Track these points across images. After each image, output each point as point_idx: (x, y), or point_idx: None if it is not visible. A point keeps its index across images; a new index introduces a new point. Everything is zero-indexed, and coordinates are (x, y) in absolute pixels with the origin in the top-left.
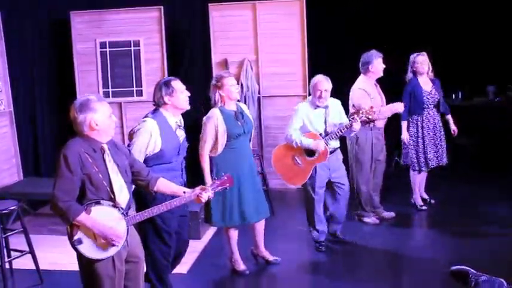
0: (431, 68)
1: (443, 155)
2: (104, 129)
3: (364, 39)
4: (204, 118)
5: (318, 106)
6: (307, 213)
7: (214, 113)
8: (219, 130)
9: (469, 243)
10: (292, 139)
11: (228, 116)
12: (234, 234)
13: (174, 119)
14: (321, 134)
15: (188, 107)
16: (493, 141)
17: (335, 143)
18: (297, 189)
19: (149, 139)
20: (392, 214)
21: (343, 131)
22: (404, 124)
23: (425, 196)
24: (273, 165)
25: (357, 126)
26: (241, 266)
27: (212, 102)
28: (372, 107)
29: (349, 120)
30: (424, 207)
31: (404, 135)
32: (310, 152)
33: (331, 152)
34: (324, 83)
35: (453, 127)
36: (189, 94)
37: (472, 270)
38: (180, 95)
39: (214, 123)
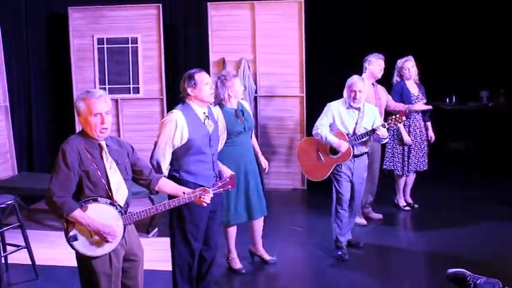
0: (416, 72)
1: (425, 161)
2: (90, 127)
3: (367, 41)
4: None
5: (351, 106)
6: (334, 214)
7: (215, 111)
8: (219, 127)
9: (467, 245)
10: (319, 132)
11: (229, 114)
12: (232, 232)
13: (202, 109)
14: (348, 134)
15: (211, 100)
16: (486, 145)
17: (363, 148)
18: (292, 189)
19: (175, 130)
20: (380, 216)
21: (369, 134)
22: (402, 127)
23: (410, 200)
24: (296, 155)
25: (381, 132)
26: (237, 265)
27: (217, 100)
28: (401, 114)
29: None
30: (407, 208)
31: (407, 138)
32: (334, 150)
33: (358, 156)
34: (359, 83)
35: (431, 133)
36: (212, 86)
37: (468, 272)
38: (203, 87)
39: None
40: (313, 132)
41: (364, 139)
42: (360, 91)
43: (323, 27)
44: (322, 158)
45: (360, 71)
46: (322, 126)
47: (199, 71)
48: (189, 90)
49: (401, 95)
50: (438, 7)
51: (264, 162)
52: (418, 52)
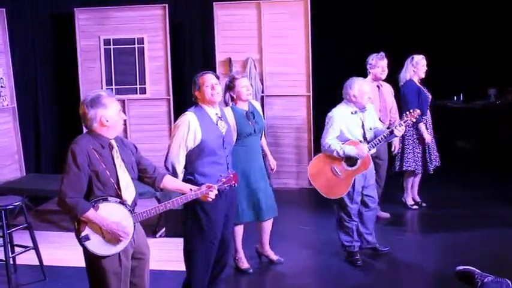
0: None
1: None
2: (113, 125)
3: (369, 40)
4: None
5: (358, 110)
6: (340, 224)
7: (227, 111)
8: None
9: (471, 244)
10: (332, 149)
11: (240, 115)
12: (239, 231)
13: (214, 111)
14: (360, 141)
15: (214, 100)
16: (493, 143)
17: (373, 150)
18: (299, 188)
19: (188, 131)
20: (387, 215)
21: (387, 137)
22: (423, 126)
23: (418, 199)
24: (310, 179)
25: (398, 133)
26: (244, 264)
27: (223, 102)
28: (415, 110)
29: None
30: (414, 207)
31: (427, 136)
32: (350, 162)
33: None
34: (366, 87)
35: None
36: (215, 87)
37: (478, 270)
38: (205, 89)
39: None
40: (324, 149)
41: (383, 142)
42: (369, 92)
43: (328, 26)
44: (339, 173)
45: (365, 69)
46: (332, 141)
47: (202, 74)
48: (196, 94)
49: (418, 94)
50: (445, 5)
51: (272, 163)
52: (425, 49)
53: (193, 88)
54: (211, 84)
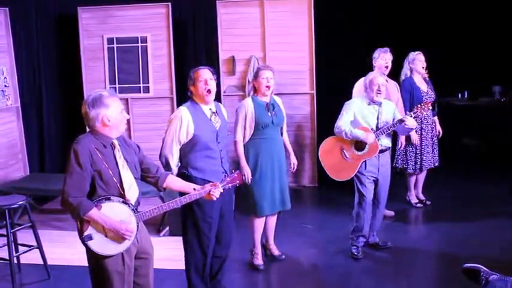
0: (425, 67)
1: (437, 157)
2: (116, 125)
3: (369, 40)
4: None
5: (373, 102)
6: (356, 216)
7: (246, 101)
8: (247, 117)
9: (475, 242)
10: (342, 129)
11: (259, 105)
12: (259, 226)
13: (208, 106)
14: (372, 129)
15: (207, 98)
16: (497, 141)
17: (387, 142)
18: (303, 186)
19: (180, 125)
20: (392, 213)
21: (395, 125)
22: None
23: (422, 197)
24: (320, 158)
25: (410, 122)
26: (257, 261)
27: (246, 92)
28: (427, 103)
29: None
30: (419, 205)
31: (414, 136)
32: (359, 146)
33: (382, 151)
34: (379, 77)
35: (438, 128)
36: (208, 83)
37: (484, 268)
38: (198, 84)
39: (244, 110)
40: (336, 131)
41: (391, 130)
42: (382, 84)
43: (328, 25)
44: (347, 156)
45: (365, 69)
46: (344, 124)
47: (197, 69)
48: (191, 88)
49: (411, 92)
50: (447, 3)
51: (293, 162)
52: (430, 46)
53: (189, 82)
54: (204, 79)
